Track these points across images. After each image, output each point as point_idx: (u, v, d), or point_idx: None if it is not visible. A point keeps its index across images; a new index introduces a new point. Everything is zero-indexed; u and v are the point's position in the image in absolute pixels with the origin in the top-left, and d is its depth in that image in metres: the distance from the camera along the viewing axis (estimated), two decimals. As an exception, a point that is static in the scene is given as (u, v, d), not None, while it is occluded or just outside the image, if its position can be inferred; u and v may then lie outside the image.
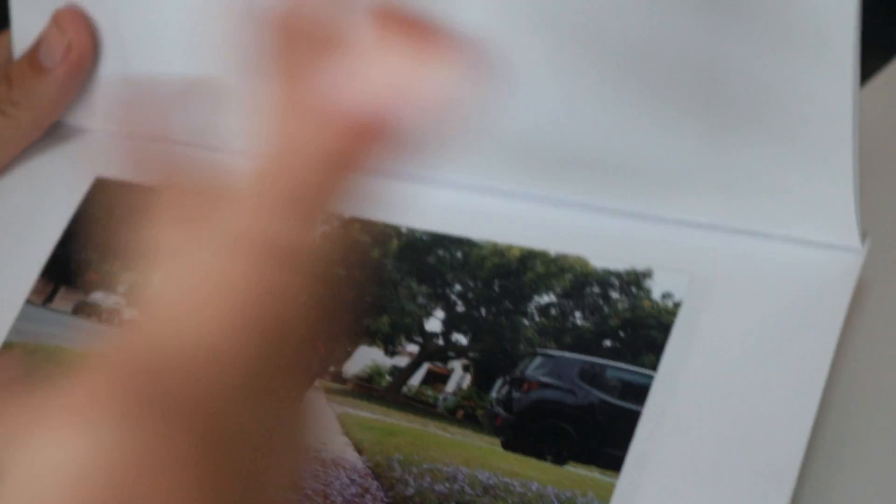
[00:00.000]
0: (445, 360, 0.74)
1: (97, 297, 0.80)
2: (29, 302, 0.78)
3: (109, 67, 0.83)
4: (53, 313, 0.79)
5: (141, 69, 0.82)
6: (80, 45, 0.81)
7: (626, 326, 0.71)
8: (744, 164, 0.70)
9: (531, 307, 0.73)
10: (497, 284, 0.74)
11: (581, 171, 0.73)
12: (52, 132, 0.84)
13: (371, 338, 0.75)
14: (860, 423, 0.73)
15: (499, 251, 0.74)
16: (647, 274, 0.72)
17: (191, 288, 0.43)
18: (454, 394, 0.73)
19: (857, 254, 0.70)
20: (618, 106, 0.71)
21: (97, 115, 0.83)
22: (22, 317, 0.77)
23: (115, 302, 0.80)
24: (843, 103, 0.66)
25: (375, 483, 0.69)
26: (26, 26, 0.82)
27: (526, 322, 0.73)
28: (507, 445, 0.69)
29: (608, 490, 0.64)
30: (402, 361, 0.74)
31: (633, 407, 0.67)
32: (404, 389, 0.74)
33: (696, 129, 0.70)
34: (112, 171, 0.82)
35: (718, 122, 0.70)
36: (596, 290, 0.73)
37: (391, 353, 0.74)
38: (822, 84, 0.66)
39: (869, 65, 0.74)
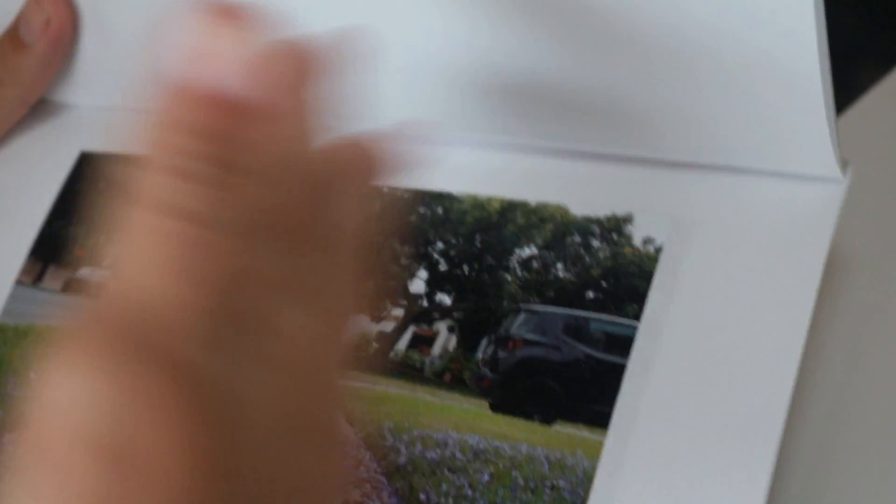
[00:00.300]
0: (430, 321, 0.74)
1: (85, 272, 0.80)
2: (19, 282, 0.78)
3: (91, 42, 0.82)
4: (44, 293, 0.79)
5: (122, 43, 0.81)
6: (60, 19, 0.81)
7: (609, 276, 0.70)
8: (717, 100, 0.68)
9: (513, 261, 0.73)
10: (478, 239, 0.74)
11: (556, 116, 0.72)
12: (36, 109, 0.84)
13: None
14: (847, 368, 0.73)
15: (479, 204, 0.74)
16: (627, 219, 0.71)
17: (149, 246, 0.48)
18: (441, 356, 0.73)
19: (838, 184, 0.69)
20: (589, 49, 0.70)
21: (80, 90, 0.83)
22: (13, 298, 0.77)
23: (103, 276, 0.80)
24: (809, 32, 0.64)
25: (368, 454, 0.70)
26: (6, 6, 0.82)
27: (508, 277, 0.72)
28: (496, 407, 0.69)
29: (597, 448, 0.64)
30: (387, 327, 0.74)
31: (618, 360, 0.67)
32: (391, 355, 0.74)
33: (666, 67, 0.69)
34: (96, 145, 0.82)
35: (688, 59, 0.68)
36: (577, 239, 0.72)
37: (377, 318, 0.74)
38: (788, 15, 0.65)
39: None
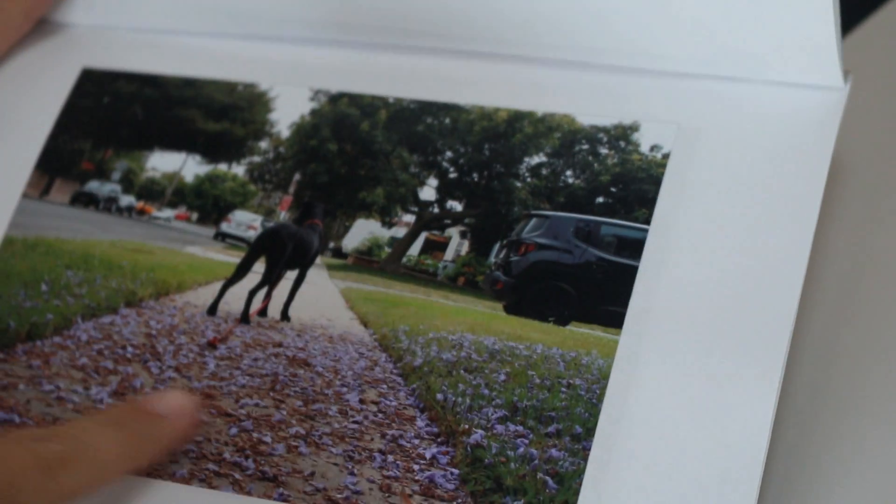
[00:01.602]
0: (442, 228, 0.75)
1: (93, 185, 0.81)
2: (26, 196, 0.78)
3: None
4: (51, 205, 0.80)
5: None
6: None
7: (617, 182, 0.72)
8: (723, 8, 0.70)
9: (522, 169, 0.74)
10: (487, 148, 0.75)
11: (561, 25, 0.73)
12: (39, 28, 0.84)
13: (367, 210, 0.76)
14: (852, 270, 0.75)
15: (486, 115, 0.75)
16: (634, 127, 0.72)
17: None
18: (453, 261, 0.74)
19: (840, 92, 0.70)
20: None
21: (81, 9, 0.83)
22: (20, 211, 0.78)
23: (111, 190, 0.81)
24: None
25: (384, 355, 0.71)
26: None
27: (518, 184, 0.73)
28: (510, 309, 0.71)
29: (612, 347, 0.66)
30: (399, 233, 0.75)
31: (630, 262, 0.68)
32: (404, 260, 0.75)
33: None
34: (97, 62, 0.82)
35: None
36: (585, 146, 0.73)
37: (388, 224, 0.76)
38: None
39: None
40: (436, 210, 0.75)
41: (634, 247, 0.68)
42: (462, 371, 0.69)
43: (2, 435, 0.63)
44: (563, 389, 0.67)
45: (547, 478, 0.63)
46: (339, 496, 0.65)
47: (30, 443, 0.60)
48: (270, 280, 0.75)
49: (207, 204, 0.79)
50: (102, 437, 0.62)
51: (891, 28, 0.84)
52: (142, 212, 0.80)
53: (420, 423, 0.68)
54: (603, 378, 0.65)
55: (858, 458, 0.67)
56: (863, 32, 0.80)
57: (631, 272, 0.67)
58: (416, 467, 0.66)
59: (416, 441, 0.67)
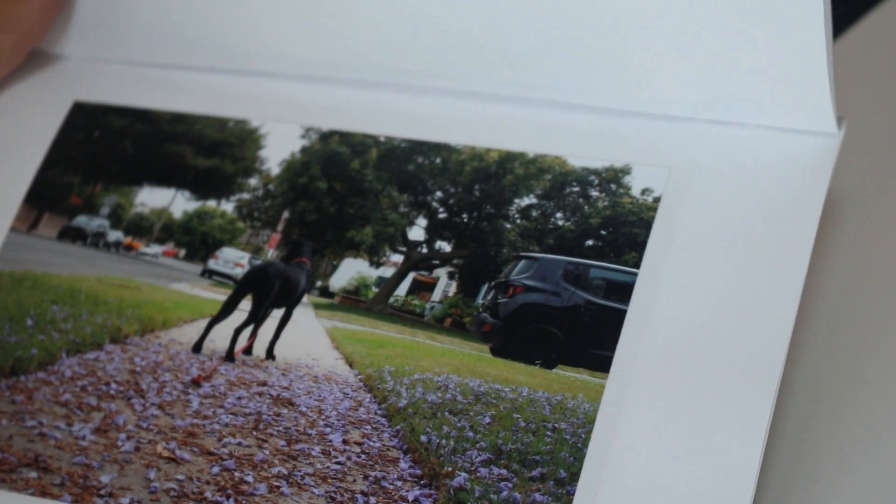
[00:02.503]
0: (430, 268, 0.74)
1: (81, 220, 0.80)
2: (14, 229, 0.78)
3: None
4: (39, 239, 0.79)
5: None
6: None
7: (608, 225, 0.71)
8: (717, 53, 0.69)
9: (512, 210, 0.73)
10: (477, 189, 0.74)
11: (555, 67, 0.73)
12: (31, 59, 0.84)
13: (356, 249, 0.75)
14: (840, 321, 0.74)
15: (477, 155, 0.75)
16: (625, 170, 0.72)
17: None
18: (441, 302, 0.73)
19: (833, 138, 0.70)
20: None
21: (75, 41, 0.83)
22: (7, 245, 0.77)
23: (99, 225, 0.80)
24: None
25: (368, 395, 0.71)
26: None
27: (508, 225, 0.73)
28: (496, 352, 0.70)
29: (598, 391, 0.65)
30: (387, 273, 0.75)
31: (618, 306, 0.67)
32: (391, 300, 0.75)
33: (667, 16, 0.70)
34: (90, 96, 0.82)
35: (691, 12, 0.69)
36: (576, 189, 0.73)
37: (376, 263, 0.75)
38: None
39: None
40: (424, 250, 0.74)
41: (623, 290, 0.68)
42: (447, 413, 0.68)
43: None
44: (549, 433, 0.66)
45: (530, 523, 0.63)
46: (319, 538, 0.64)
47: None
48: (256, 318, 0.75)
49: (195, 240, 0.79)
50: None
51: (885, 69, 0.84)
52: (129, 247, 0.80)
53: (403, 464, 0.67)
54: (589, 422, 0.64)
55: (846, 502, 0.66)
56: (856, 74, 0.80)
57: (619, 316, 0.67)
58: (398, 510, 0.65)
59: (399, 483, 0.66)
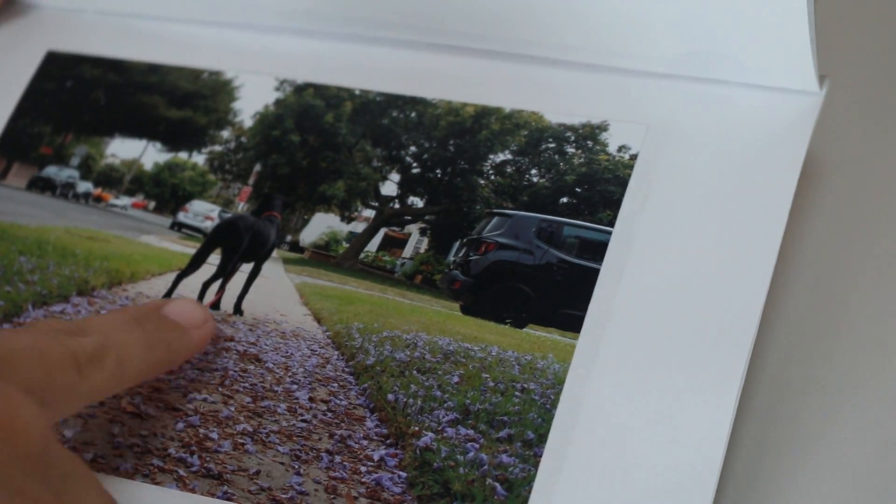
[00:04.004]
0: (402, 224, 0.73)
1: (51, 170, 0.79)
2: (-17, 179, 0.77)
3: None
4: (8, 189, 0.78)
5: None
6: None
7: (583, 182, 0.70)
8: (697, 8, 0.68)
9: (487, 166, 0.72)
10: (452, 144, 0.73)
11: (533, 21, 0.71)
12: (4, 9, 0.82)
13: (327, 204, 0.74)
14: (819, 279, 0.73)
15: (453, 109, 0.73)
16: (602, 127, 0.71)
17: None
18: (412, 258, 0.72)
19: (815, 97, 0.68)
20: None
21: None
22: (-23, 195, 0.76)
23: (69, 176, 0.79)
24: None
25: (336, 353, 0.69)
26: None
27: (482, 182, 0.72)
28: (466, 310, 0.69)
29: (569, 352, 0.64)
30: (358, 228, 0.74)
31: (591, 265, 0.66)
32: (362, 256, 0.73)
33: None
34: (63, 45, 0.81)
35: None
36: (552, 145, 0.71)
37: (347, 219, 0.74)
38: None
39: None
40: (396, 206, 0.73)
41: (597, 249, 0.66)
42: (415, 372, 0.67)
43: (33, 326, 0.61)
44: (517, 394, 0.65)
45: (496, 484, 0.62)
46: (283, 496, 0.63)
47: (64, 337, 0.59)
48: (225, 272, 0.73)
49: (165, 193, 0.77)
50: (130, 336, 0.62)
51: (869, 29, 0.82)
52: (99, 199, 0.78)
53: (370, 423, 0.66)
54: (558, 383, 0.63)
55: (816, 471, 0.65)
56: (840, 34, 0.78)
57: (592, 275, 0.66)
58: (363, 469, 0.64)
59: (365, 442, 0.65)
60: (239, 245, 0.74)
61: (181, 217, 0.77)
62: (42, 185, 0.79)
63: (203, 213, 0.77)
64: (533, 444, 0.62)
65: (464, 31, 0.73)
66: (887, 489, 0.64)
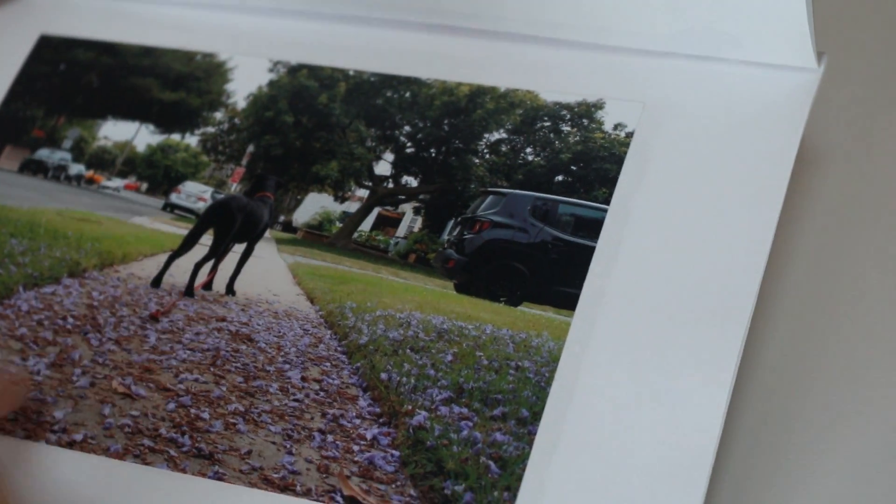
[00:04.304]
0: (396, 203, 0.72)
1: (43, 153, 0.79)
2: (-25, 162, 0.76)
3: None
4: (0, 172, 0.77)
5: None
6: None
7: (579, 160, 0.69)
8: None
9: (481, 145, 0.71)
10: (447, 123, 0.72)
11: (528, 1, 0.71)
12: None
13: (320, 184, 0.73)
14: (816, 257, 0.72)
15: (448, 89, 0.73)
16: (598, 105, 0.70)
17: None
18: (406, 237, 0.71)
19: (813, 74, 0.68)
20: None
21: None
22: (-32, 178, 0.76)
23: (61, 158, 0.78)
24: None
25: (329, 332, 0.69)
26: None
27: (476, 160, 0.71)
28: (460, 288, 0.68)
29: (563, 330, 0.63)
30: (351, 208, 0.73)
31: (587, 242, 0.65)
32: (355, 235, 0.73)
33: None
34: (56, 29, 0.80)
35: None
36: (547, 124, 0.71)
37: (341, 198, 0.73)
38: None
39: None
40: (390, 185, 0.72)
41: (592, 227, 0.66)
42: (408, 350, 0.66)
43: None
44: (511, 372, 0.64)
45: (490, 462, 0.61)
46: (275, 476, 0.62)
47: None
48: (217, 253, 0.73)
49: (158, 174, 0.77)
50: None
51: (867, 5, 0.81)
52: (91, 181, 0.78)
53: (362, 402, 0.65)
54: (553, 361, 0.63)
55: (813, 450, 0.65)
56: (838, 11, 0.78)
57: (587, 253, 0.65)
58: (356, 448, 0.63)
59: (358, 421, 0.64)
60: (232, 226, 0.73)
61: (173, 198, 0.76)
62: (34, 168, 0.78)
63: (195, 194, 0.76)
64: (527, 422, 0.62)
65: (458, 10, 0.72)
66: (888, 469, 0.63)
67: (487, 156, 0.71)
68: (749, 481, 0.64)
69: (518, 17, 0.71)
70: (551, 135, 0.70)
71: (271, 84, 0.75)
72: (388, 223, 0.72)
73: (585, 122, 0.70)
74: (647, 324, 0.63)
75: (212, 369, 0.67)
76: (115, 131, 0.77)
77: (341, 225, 0.73)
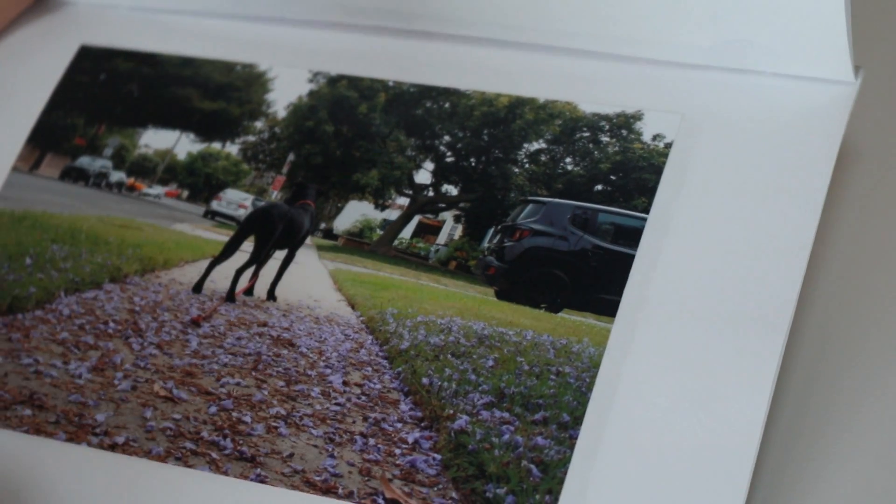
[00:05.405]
0: (436, 211, 0.73)
1: (84, 161, 0.79)
2: (16, 169, 0.77)
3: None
4: (40, 179, 0.78)
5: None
6: None
7: (618, 170, 0.70)
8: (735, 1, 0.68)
9: (521, 155, 0.72)
10: (486, 133, 0.73)
11: (567, 12, 0.71)
12: (39, 4, 0.83)
13: (361, 192, 0.74)
14: (852, 269, 0.73)
15: (487, 100, 0.73)
16: (637, 116, 0.71)
17: None
18: (446, 245, 0.72)
19: (850, 87, 0.68)
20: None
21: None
22: (8, 184, 0.76)
23: (102, 165, 0.79)
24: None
25: (370, 337, 0.69)
26: None
27: (516, 170, 0.72)
28: (501, 295, 0.69)
29: (604, 336, 0.64)
30: (392, 216, 0.74)
31: (626, 251, 0.66)
32: (396, 243, 0.73)
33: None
34: (96, 40, 0.81)
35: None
36: (586, 134, 0.72)
37: (381, 206, 0.74)
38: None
39: None
40: (430, 194, 0.73)
41: (632, 235, 0.66)
42: (449, 356, 0.67)
43: None
44: (552, 377, 0.65)
45: (531, 466, 0.61)
46: (317, 478, 0.63)
47: None
48: (258, 259, 0.73)
49: (199, 182, 0.77)
50: None
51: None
52: (132, 188, 0.79)
53: (404, 406, 0.66)
54: (594, 366, 0.63)
55: (850, 452, 0.65)
56: (875, 25, 0.78)
57: (627, 261, 0.66)
58: (397, 451, 0.64)
59: (399, 425, 0.65)
60: (272, 232, 0.74)
61: (214, 205, 0.77)
62: (75, 175, 0.79)
63: (236, 201, 0.77)
64: (568, 427, 0.62)
65: (498, 22, 0.73)
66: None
67: (527, 165, 0.72)
68: (788, 486, 0.64)
69: (557, 29, 0.72)
70: (590, 145, 0.71)
71: (311, 94, 0.76)
72: (428, 231, 0.72)
73: (624, 132, 0.71)
74: (687, 330, 0.63)
75: (253, 374, 0.68)
76: (155, 140, 0.78)
77: (382, 232, 0.73)
